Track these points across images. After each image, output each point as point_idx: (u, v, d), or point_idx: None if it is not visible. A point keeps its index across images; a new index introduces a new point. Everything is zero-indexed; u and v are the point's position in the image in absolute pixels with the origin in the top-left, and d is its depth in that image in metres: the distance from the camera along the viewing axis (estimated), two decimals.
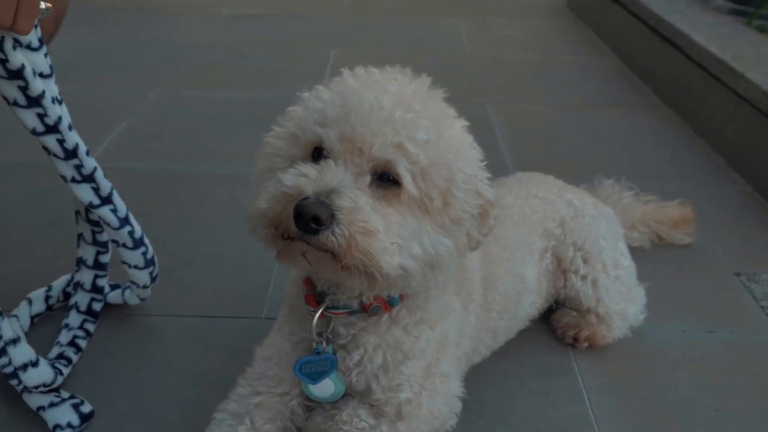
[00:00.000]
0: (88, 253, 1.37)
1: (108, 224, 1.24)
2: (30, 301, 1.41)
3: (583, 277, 1.37)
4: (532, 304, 1.36)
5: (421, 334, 1.06)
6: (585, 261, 1.37)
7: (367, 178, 0.86)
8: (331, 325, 1.03)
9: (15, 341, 1.12)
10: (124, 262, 1.32)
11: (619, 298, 1.40)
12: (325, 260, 0.85)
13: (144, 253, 1.31)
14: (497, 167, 2.14)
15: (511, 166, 2.21)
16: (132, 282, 1.36)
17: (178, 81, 2.85)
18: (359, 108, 0.87)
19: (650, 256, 1.73)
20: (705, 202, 2.02)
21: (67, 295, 1.45)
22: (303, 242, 0.83)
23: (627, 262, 1.44)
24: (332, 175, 0.84)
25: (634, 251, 1.60)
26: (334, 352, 1.05)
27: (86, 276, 1.39)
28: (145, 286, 1.37)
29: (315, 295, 1.03)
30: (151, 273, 1.35)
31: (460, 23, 3.88)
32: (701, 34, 2.65)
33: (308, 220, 0.80)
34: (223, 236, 1.77)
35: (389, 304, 1.02)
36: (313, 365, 1.03)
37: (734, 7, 3.03)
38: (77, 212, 1.33)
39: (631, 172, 1.98)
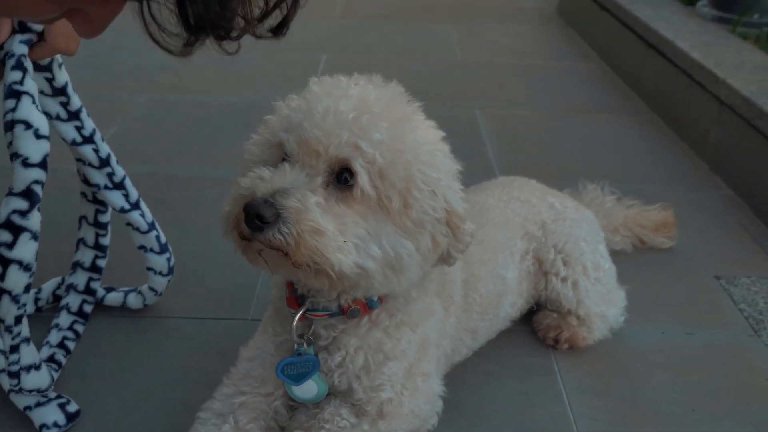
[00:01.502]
0: (87, 256, 1.40)
1: (137, 228, 1.32)
2: None
3: (564, 279, 1.40)
4: (513, 305, 1.39)
5: (402, 336, 1.08)
6: (565, 263, 1.40)
7: (320, 179, 0.89)
8: (312, 327, 1.05)
9: (28, 340, 1.14)
10: (149, 268, 1.38)
11: (600, 300, 1.43)
12: (278, 258, 0.88)
13: (168, 260, 1.38)
14: (484, 171, 2.20)
15: (498, 169, 2.24)
16: (151, 288, 1.42)
17: (168, 85, 2.86)
18: (315, 112, 0.90)
19: (632, 259, 1.76)
20: (687, 205, 2.05)
21: (56, 297, 1.47)
22: (257, 241, 0.87)
23: (607, 265, 1.47)
24: (283, 176, 0.88)
25: (616, 254, 1.63)
26: (317, 354, 1.07)
27: (81, 278, 1.41)
28: (159, 294, 1.43)
29: (296, 298, 1.05)
30: (168, 281, 1.41)
31: (451, 29, 3.92)
32: (685, 41, 2.70)
33: (253, 218, 0.85)
34: (211, 239, 1.78)
35: (368, 306, 1.03)
36: (296, 366, 1.05)
37: (718, 14, 3.07)
38: (82, 217, 1.36)
39: (615, 176, 2.02)
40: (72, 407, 1.20)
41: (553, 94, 3.01)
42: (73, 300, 1.41)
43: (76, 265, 1.41)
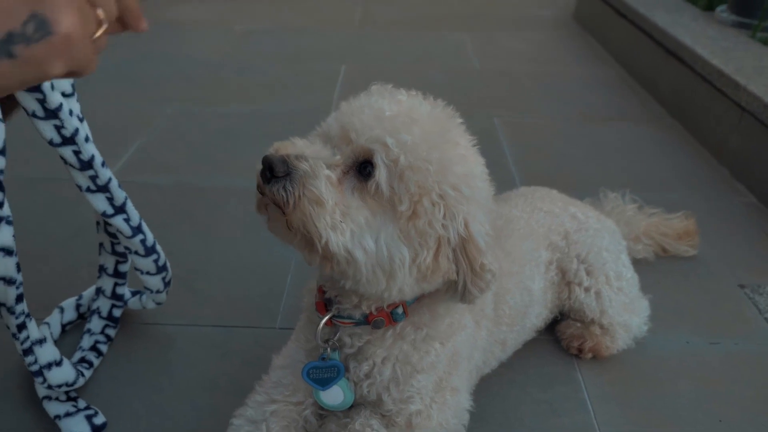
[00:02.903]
0: (109, 261, 1.42)
1: (121, 233, 1.29)
2: (62, 309, 1.46)
3: (587, 289, 1.40)
4: (538, 316, 1.40)
5: (431, 349, 1.08)
6: (588, 273, 1.41)
7: (342, 162, 0.92)
8: (337, 334, 1.07)
9: (41, 341, 1.17)
10: (136, 269, 1.37)
11: (623, 310, 1.43)
12: (277, 215, 0.91)
13: (156, 260, 1.36)
14: (504, 180, 2.21)
15: (518, 178, 2.25)
16: (146, 287, 1.42)
17: (193, 96, 2.91)
18: (363, 106, 0.95)
19: (654, 267, 1.76)
20: (709, 213, 2.04)
21: None
22: (265, 194, 0.91)
23: (630, 274, 1.47)
24: (310, 146, 0.93)
25: (638, 263, 1.64)
26: (345, 362, 1.09)
27: (107, 283, 1.44)
28: (158, 291, 1.41)
29: (325, 303, 1.07)
30: (164, 278, 1.40)
31: (467, 37, 3.94)
32: (705, 47, 2.69)
33: (265, 168, 0.89)
34: (237, 247, 1.82)
35: (393, 319, 1.05)
36: (321, 371, 1.07)
37: (738, 19, 3.06)
38: (98, 222, 1.39)
39: (635, 183, 2.02)
40: (99, 419, 1.22)
41: (571, 101, 3.01)
42: (103, 304, 1.45)
43: (102, 269, 1.44)
